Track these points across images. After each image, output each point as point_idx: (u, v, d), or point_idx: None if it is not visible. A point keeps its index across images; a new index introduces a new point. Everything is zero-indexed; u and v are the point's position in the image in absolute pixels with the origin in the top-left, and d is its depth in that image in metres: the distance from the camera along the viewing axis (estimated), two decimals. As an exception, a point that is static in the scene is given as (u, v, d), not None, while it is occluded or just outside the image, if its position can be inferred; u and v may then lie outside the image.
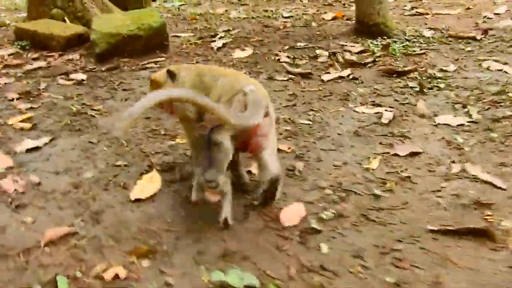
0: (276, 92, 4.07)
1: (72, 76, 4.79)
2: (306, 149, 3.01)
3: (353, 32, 5.67)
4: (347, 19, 6.60)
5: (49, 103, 4.12)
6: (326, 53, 5.05)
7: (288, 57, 5.00)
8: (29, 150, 3.23)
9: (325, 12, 7.10)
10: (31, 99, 4.25)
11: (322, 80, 4.28)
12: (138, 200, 2.56)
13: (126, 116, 2.08)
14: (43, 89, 4.49)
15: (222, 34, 6.16)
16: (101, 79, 4.72)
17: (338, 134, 3.19)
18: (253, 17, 7.15)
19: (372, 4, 5.35)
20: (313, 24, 6.48)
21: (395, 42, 5.17)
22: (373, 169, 2.71)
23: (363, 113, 3.47)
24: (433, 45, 5.08)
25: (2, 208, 2.60)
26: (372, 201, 2.41)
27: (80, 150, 3.22)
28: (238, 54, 5.26)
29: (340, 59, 4.69)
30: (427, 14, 6.53)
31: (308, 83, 4.25)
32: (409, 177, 2.61)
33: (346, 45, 5.28)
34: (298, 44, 5.47)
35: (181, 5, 8.58)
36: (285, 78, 4.36)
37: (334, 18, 6.69)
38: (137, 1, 7.94)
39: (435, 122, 3.24)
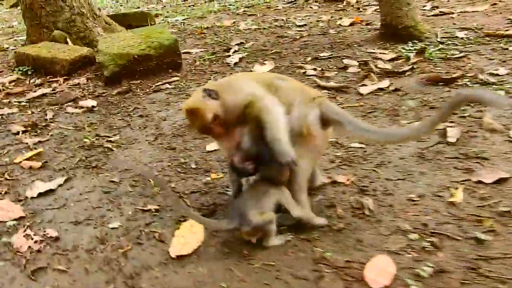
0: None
1: (81, 103, 4.35)
2: (369, 180, 2.55)
3: (379, 38, 5.24)
4: (366, 24, 6.17)
5: (59, 136, 3.67)
6: (355, 63, 4.60)
7: (314, 69, 4.56)
8: (41, 195, 2.79)
9: (341, 18, 6.67)
10: (38, 131, 3.81)
11: (360, 94, 3.83)
12: (180, 257, 2.10)
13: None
14: (50, 119, 4.05)
15: (236, 48, 5.73)
16: (113, 105, 4.27)
17: (400, 158, 2.74)
18: (264, 28, 6.72)
19: (400, 6, 4.92)
20: (331, 31, 6.05)
21: (428, 46, 4.73)
22: (459, 203, 2.25)
23: (421, 130, 3.01)
24: (470, 46, 4.64)
25: (15, 274, 2.15)
26: (474, 247, 1.94)
27: (101, 192, 2.77)
28: (259, 68, 4.82)
29: (374, 69, 4.24)
30: (452, 13, 6.09)
31: (346, 97, 3.80)
32: (509, 212, 2.14)
33: (375, 52, 4.84)
34: (321, 54, 5.03)
35: (185, 19, 8.18)
36: (319, 94, 3.91)
37: (352, 24, 6.25)
38: (141, 19, 7.55)
39: (511, 137, 2.78)
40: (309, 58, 4.98)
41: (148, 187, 2.77)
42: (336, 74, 4.39)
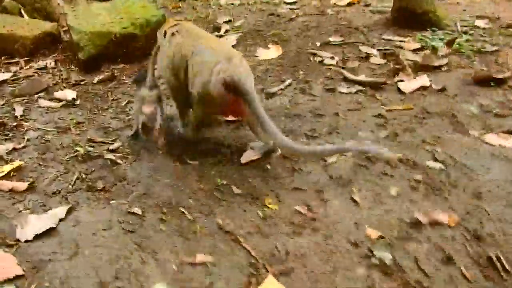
0: (352, 112, 3.04)
1: (56, 94, 3.52)
2: (476, 219, 2.03)
3: (391, 23, 4.71)
4: (365, 5, 5.62)
5: (39, 140, 2.88)
6: (375, 52, 4.05)
7: (332, 57, 3.96)
8: (39, 236, 2.05)
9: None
10: (9, 134, 2.99)
11: (401, 92, 3.29)
12: None
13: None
14: (21, 116, 3.21)
15: (227, 27, 5.00)
16: (98, 97, 3.48)
17: (498, 186, 2.23)
18: (249, 3, 6.01)
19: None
20: (329, 11, 5.45)
21: (448, 35, 4.26)
22: None
23: (504, 146, 2.53)
24: (498, 38, 4.21)
25: None
26: None
27: (121, 231, 2.07)
28: (264, 54, 4.17)
29: (404, 61, 3.71)
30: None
31: (385, 96, 3.25)
32: None
33: (393, 40, 4.31)
34: (330, 39, 4.44)
35: (152, -10, 7.26)
36: (352, 90, 3.33)
37: (350, 4, 5.68)
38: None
39: None
40: (318, 43, 4.36)
41: (186, 221, 2.11)
42: (359, 64, 3.82)
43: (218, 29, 4.97)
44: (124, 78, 3.79)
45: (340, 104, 3.16)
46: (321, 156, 2.42)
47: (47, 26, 4.56)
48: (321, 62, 3.91)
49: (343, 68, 3.74)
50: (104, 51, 3.99)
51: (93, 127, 3.02)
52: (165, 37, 2.72)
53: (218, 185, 2.35)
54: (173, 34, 2.66)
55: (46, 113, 3.26)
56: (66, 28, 4.78)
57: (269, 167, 2.49)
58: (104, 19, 4.16)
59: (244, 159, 2.53)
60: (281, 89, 3.41)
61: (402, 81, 3.44)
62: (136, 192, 2.33)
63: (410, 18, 4.53)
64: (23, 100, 3.47)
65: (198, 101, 2.46)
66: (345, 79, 3.53)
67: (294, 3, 5.89)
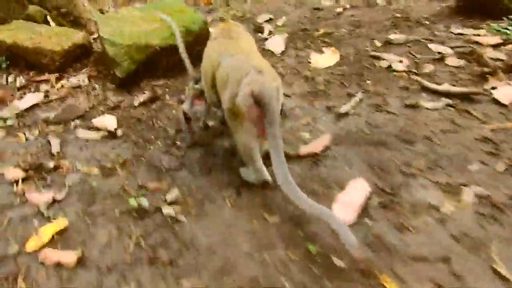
0: (447, 135, 2.45)
1: (95, 121, 2.99)
2: None
3: (456, 11, 4.07)
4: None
5: (82, 187, 2.36)
6: (449, 50, 3.42)
7: (400, 61, 3.35)
8: None
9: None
10: (47, 177, 2.48)
11: (499, 103, 2.68)
12: None
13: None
14: (58, 153, 2.70)
15: (270, 27, 4.40)
16: (141, 123, 2.95)
17: None
18: (286, -4, 5.37)
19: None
20: (379, 1, 4.80)
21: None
22: None
23: None
24: None
25: None
26: None
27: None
28: (320, 60, 3.57)
29: (489, 61, 3.07)
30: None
31: (482, 110, 2.65)
32: None
33: (465, 34, 3.66)
34: (391, 37, 3.81)
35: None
36: (438, 104, 2.73)
37: (399, -9, 5.01)
38: (131, -15, 6.00)
39: None
40: (378, 43, 3.74)
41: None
42: (434, 68, 3.20)
43: (260, 30, 4.37)
44: (167, 98, 3.24)
45: (429, 124, 2.57)
46: (312, 213, 1.82)
47: (77, 37, 4.01)
48: (389, 68, 3.30)
49: (417, 74, 3.13)
50: (143, 66, 3.44)
51: (142, 167, 2.49)
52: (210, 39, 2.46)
53: (312, 254, 1.81)
54: (214, 38, 2.38)
55: (86, 146, 2.74)
56: (96, 36, 4.25)
57: (370, 222, 1.93)
58: (140, 27, 3.59)
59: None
60: (352, 106, 2.83)
61: (494, 88, 2.82)
62: (211, 266, 1.80)
63: (479, 5, 3.87)
64: (58, 129, 2.96)
65: (228, 118, 2.08)
66: (425, 89, 2.92)
67: (335, -8, 5.24)
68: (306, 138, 2.56)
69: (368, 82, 3.13)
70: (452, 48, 3.44)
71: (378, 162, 2.29)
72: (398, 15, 4.32)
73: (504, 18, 3.74)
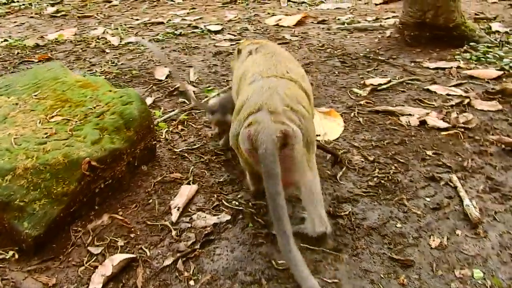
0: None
1: None
2: None
3: (404, 43, 3.48)
4: (319, 22, 4.25)
5: None
6: (459, 91, 2.77)
7: (427, 114, 2.53)
8: None
9: (272, 15, 4.55)
10: None
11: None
12: None
13: None
14: None
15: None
16: None
17: None
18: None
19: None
20: (288, 37, 3.93)
21: (490, 49, 3.23)
22: None
23: None
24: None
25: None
26: None
27: None
28: (325, 132, 2.49)
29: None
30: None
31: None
32: None
33: (444, 67, 3.09)
34: (369, 81, 2.99)
35: None
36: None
37: (299, 23, 4.24)
38: None
39: None
40: (359, 90, 2.87)
41: None
42: (480, 119, 2.48)
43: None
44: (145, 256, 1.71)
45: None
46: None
47: None
48: (423, 125, 2.44)
49: (469, 129, 2.34)
50: (74, 204, 1.78)
51: None
52: (238, 55, 2.14)
53: None
54: (250, 52, 2.03)
55: None
56: None
57: None
58: (35, 132, 1.90)
59: None
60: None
61: None
62: None
63: (437, 34, 3.34)
64: None
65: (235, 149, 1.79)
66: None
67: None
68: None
69: (429, 154, 2.20)
70: (455, 87, 2.78)
71: None
72: (344, 52, 3.51)
73: (466, 46, 3.28)
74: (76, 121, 2.00)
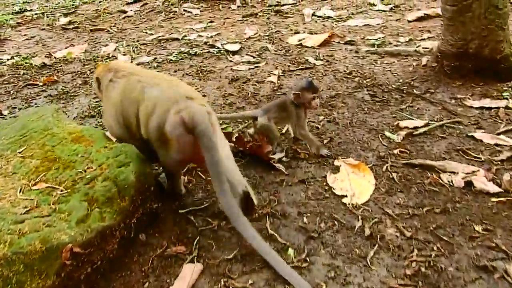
0: None
1: None
2: None
3: (442, 74, 3.10)
4: (347, 42, 3.89)
5: None
6: (508, 140, 2.39)
7: (473, 172, 2.17)
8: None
9: (296, 33, 4.23)
10: None
11: None
12: None
13: None
14: None
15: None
16: None
17: None
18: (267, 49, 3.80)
19: (495, 26, 2.84)
20: (311, 60, 3.59)
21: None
22: None
23: None
24: None
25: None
26: None
27: None
28: (352, 191, 2.16)
29: None
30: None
31: None
32: None
33: (490, 107, 2.71)
34: (404, 123, 2.64)
35: None
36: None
37: (325, 43, 3.89)
38: None
39: None
40: (392, 135, 2.53)
41: None
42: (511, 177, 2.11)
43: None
44: None
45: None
46: (257, 250, 1.73)
47: None
48: (468, 187, 2.08)
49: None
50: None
51: None
52: (99, 86, 2.17)
53: None
54: (111, 80, 2.09)
55: None
56: None
57: None
58: (28, 199, 1.63)
59: None
60: None
61: None
62: None
63: (479, 66, 2.95)
64: None
65: (156, 147, 1.92)
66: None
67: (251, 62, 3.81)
68: None
69: (478, 230, 1.85)
70: (504, 134, 2.42)
71: None
72: (367, 82, 3.16)
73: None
74: (62, 190, 1.71)
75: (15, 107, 3.26)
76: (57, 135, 1.98)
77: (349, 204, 2.07)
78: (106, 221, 1.66)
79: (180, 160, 1.95)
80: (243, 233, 1.74)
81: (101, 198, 1.70)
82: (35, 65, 3.97)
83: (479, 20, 2.80)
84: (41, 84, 3.59)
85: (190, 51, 3.98)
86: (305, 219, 2.01)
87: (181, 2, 5.62)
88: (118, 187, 1.76)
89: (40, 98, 3.39)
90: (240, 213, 1.76)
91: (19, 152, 1.90)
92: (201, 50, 3.99)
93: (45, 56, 4.17)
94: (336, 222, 1.98)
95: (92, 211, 1.66)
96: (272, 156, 2.41)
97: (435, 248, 1.80)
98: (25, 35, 4.91)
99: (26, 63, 4.02)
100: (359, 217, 1.99)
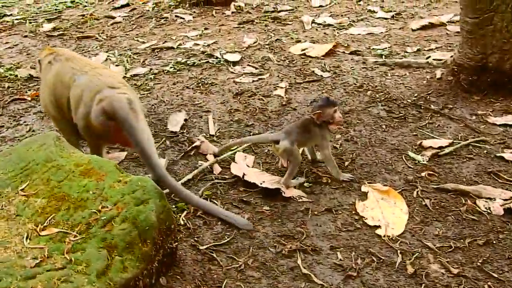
0: None
1: None
2: None
3: (459, 88, 2.99)
4: (352, 53, 3.76)
5: None
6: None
7: (475, 178, 2.05)
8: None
9: (298, 41, 4.07)
10: None
11: None
12: None
13: None
14: None
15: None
16: None
17: None
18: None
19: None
20: (318, 72, 3.44)
21: None
22: None
23: None
24: None
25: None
26: None
27: None
28: (387, 224, 2.01)
29: None
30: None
31: None
32: None
33: (513, 125, 2.60)
34: (427, 142, 2.51)
35: None
36: None
37: (330, 53, 3.75)
38: None
39: None
40: (416, 155, 2.39)
41: None
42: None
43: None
44: None
45: None
46: (195, 205, 2.09)
47: None
48: (505, 223, 1.96)
49: None
50: None
51: None
52: (41, 67, 2.42)
53: None
54: (49, 62, 2.34)
55: None
56: None
57: None
58: (37, 248, 1.42)
59: None
60: None
61: None
62: None
63: (499, 80, 2.85)
64: None
65: (84, 133, 2.21)
66: None
67: (256, 74, 3.64)
68: None
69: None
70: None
71: None
72: (380, 96, 3.02)
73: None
74: (76, 236, 1.51)
75: (3, 126, 3.02)
76: (63, 168, 1.77)
77: (384, 236, 1.92)
78: (128, 271, 1.46)
79: (104, 142, 2.27)
80: (178, 194, 2.06)
81: (121, 244, 1.51)
82: (20, 77, 3.71)
83: (500, 33, 2.70)
84: (29, 99, 3.34)
85: (188, 61, 3.78)
86: (339, 255, 1.85)
87: (172, 7, 5.40)
88: (138, 230, 1.56)
89: (29, 114, 3.14)
90: (173, 179, 2.06)
91: (21, 190, 1.68)
92: (199, 60, 3.79)
93: (30, 67, 3.90)
94: (374, 258, 1.82)
95: (113, 260, 1.46)
96: (293, 181, 2.25)
97: (486, 286, 1.66)
98: (6, 43, 4.62)
99: (10, 74, 3.75)
100: (398, 252, 1.84)
